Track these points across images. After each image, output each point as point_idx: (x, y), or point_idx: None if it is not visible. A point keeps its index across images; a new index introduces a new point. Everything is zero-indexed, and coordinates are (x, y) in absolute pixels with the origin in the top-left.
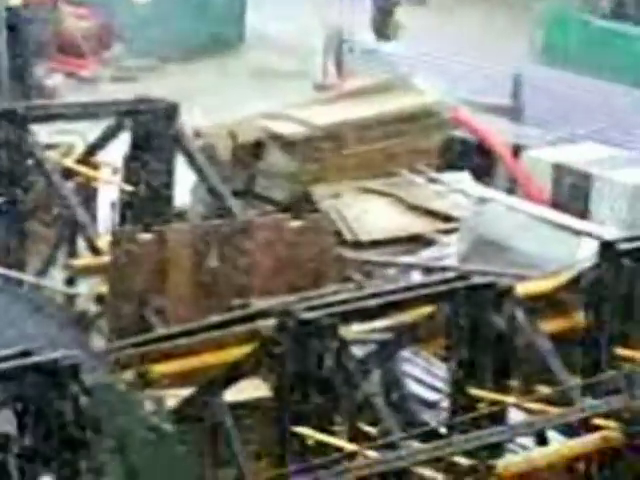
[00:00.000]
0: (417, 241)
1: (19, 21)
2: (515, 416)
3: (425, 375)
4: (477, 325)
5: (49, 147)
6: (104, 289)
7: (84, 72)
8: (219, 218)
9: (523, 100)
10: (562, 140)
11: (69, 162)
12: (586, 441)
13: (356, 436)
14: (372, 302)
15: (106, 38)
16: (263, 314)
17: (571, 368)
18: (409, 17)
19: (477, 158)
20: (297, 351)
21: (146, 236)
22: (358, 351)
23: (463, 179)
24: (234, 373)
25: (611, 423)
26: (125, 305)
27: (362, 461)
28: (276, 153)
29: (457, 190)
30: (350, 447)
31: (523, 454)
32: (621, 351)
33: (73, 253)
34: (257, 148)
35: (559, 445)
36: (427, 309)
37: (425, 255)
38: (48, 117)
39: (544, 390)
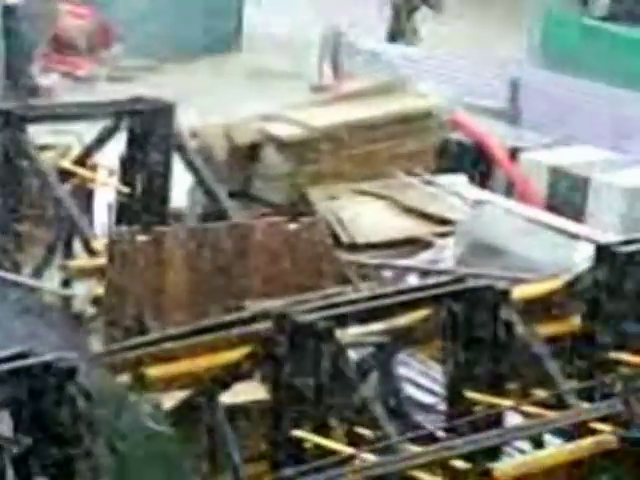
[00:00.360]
0: (413, 244)
1: (15, 20)
2: (512, 420)
3: (422, 378)
4: (474, 328)
5: (45, 148)
6: (100, 291)
7: (80, 71)
8: (216, 220)
9: (520, 103)
10: (559, 143)
11: (66, 163)
12: (582, 445)
13: (353, 439)
14: (368, 305)
15: (104, 37)
16: (260, 317)
17: (568, 371)
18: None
19: (474, 161)
20: (293, 354)
21: (143, 238)
22: (355, 354)
23: (459, 182)
24: (231, 376)
25: (607, 427)
26: (121, 307)
27: (359, 464)
28: (272, 155)
29: (453, 193)
30: (347, 450)
31: (520, 458)
32: (617, 355)
33: (69, 255)
34: (253, 150)
35: (556, 449)
36: (424, 312)
37: (421, 258)
38: (44, 118)
39: (541, 394)
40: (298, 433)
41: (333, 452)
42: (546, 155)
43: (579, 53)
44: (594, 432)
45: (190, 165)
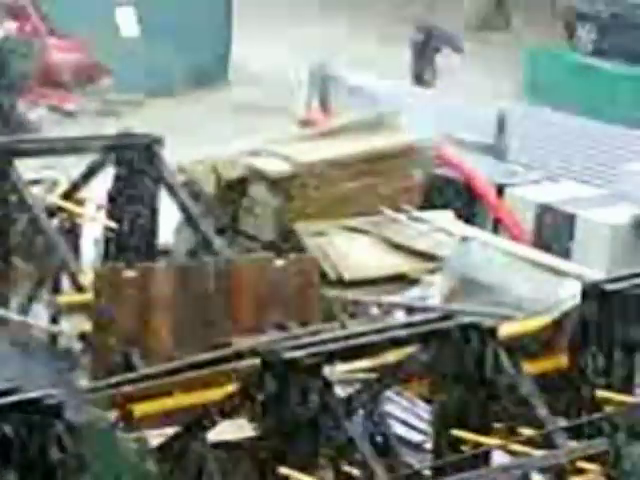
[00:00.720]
0: (400, 280)
1: (1, 55)
2: (499, 458)
3: (409, 416)
4: (460, 365)
5: (33, 183)
6: (88, 326)
7: (68, 105)
8: (203, 256)
9: (507, 139)
10: (546, 179)
11: (53, 198)
12: None
13: (339, 478)
14: (356, 342)
15: (92, 71)
16: (247, 353)
17: (555, 410)
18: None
19: (460, 196)
20: (281, 391)
21: (130, 273)
22: (342, 391)
23: (446, 218)
24: (218, 413)
25: (595, 467)
26: (108, 343)
27: None
28: (260, 190)
29: (440, 229)
30: None
31: None
32: (604, 393)
33: (57, 289)
34: (241, 185)
35: None
36: (411, 349)
37: (409, 295)
38: (31, 152)
39: (528, 432)
40: (285, 470)
41: None
42: (533, 191)
43: (566, 88)
44: (582, 472)
45: (177, 200)
